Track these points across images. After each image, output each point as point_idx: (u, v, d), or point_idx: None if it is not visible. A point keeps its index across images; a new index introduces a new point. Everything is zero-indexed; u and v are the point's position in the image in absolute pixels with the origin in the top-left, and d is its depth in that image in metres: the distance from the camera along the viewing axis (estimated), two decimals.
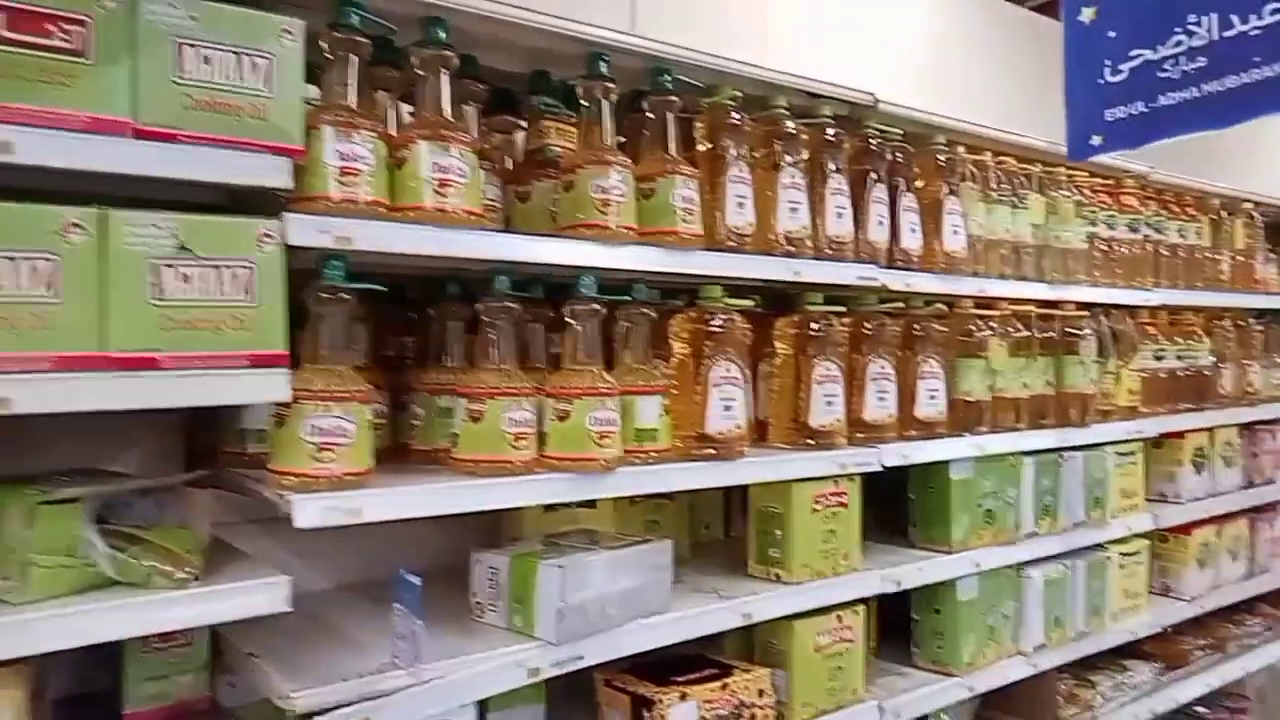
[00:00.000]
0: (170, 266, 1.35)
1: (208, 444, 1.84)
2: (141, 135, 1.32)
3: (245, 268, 1.41)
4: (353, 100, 1.57)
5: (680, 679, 2.01)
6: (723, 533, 2.71)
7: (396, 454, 1.92)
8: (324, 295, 1.55)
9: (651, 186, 1.90)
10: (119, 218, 1.31)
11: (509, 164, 2.02)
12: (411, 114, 1.75)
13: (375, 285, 1.59)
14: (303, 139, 1.46)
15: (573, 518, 2.18)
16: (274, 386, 1.44)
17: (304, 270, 1.57)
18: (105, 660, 1.71)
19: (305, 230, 1.47)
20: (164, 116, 1.34)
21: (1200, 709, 3.54)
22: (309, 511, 1.48)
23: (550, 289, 2.00)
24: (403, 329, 2.12)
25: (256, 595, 1.45)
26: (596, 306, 1.84)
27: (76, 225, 1.28)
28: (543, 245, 1.76)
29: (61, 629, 1.29)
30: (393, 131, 1.69)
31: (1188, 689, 3.32)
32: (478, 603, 1.92)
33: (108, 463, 1.75)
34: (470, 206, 1.64)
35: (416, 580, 1.53)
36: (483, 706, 2.04)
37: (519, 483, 1.73)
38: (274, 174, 1.43)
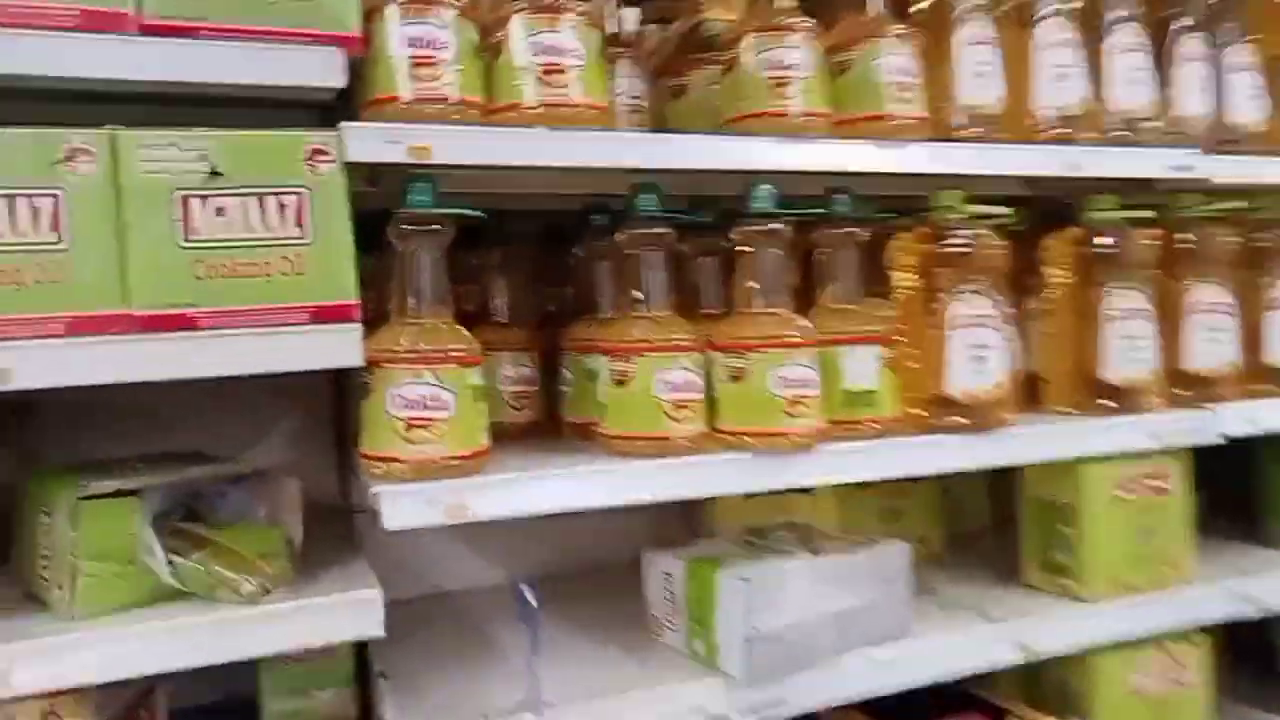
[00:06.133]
0: (200, 198, 1.08)
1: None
2: (148, 31, 1.05)
3: (294, 194, 1.10)
4: None
5: None
6: (989, 520, 2.12)
7: (550, 429, 1.56)
8: (406, 227, 1.21)
9: (847, 58, 1.41)
10: (130, 138, 1.06)
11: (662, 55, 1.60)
12: None
13: (469, 210, 1.22)
14: (360, 24, 1.14)
15: (782, 505, 1.72)
16: (342, 347, 1.12)
17: None
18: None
19: (368, 142, 1.13)
20: (177, 6, 1.06)
21: None
22: (398, 509, 1.15)
23: (730, 214, 1.54)
24: (562, 277, 1.75)
25: (338, 618, 1.15)
26: (777, 227, 1.37)
27: (82, 151, 1.03)
28: (690, 144, 1.32)
29: (99, 656, 1.06)
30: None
31: None
32: (654, 616, 1.53)
33: (247, 443, 1.55)
34: (591, 100, 1.24)
35: (533, 601, 1.15)
36: None
37: (678, 466, 1.30)
38: (323, 71, 1.11)
